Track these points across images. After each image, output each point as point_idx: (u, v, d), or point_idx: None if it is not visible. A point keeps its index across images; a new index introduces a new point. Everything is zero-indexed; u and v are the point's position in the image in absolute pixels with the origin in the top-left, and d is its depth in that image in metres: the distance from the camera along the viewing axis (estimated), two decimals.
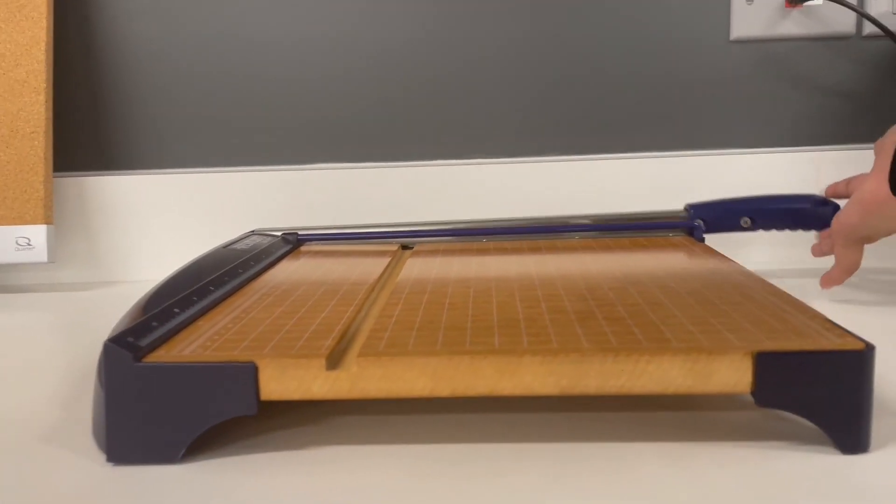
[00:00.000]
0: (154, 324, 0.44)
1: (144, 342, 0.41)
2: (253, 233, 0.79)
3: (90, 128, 0.88)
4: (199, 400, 0.39)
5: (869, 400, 0.39)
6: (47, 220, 0.81)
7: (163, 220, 0.88)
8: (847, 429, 0.39)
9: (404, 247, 0.75)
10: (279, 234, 0.77)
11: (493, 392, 0.39)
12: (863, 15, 0.82)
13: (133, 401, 0.39)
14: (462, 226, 0.78)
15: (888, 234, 0.64)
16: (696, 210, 0.75)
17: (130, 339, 0.40)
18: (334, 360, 0.41)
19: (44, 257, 0.81)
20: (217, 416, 0.39)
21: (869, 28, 0.83)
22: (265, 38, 0.87)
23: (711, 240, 0.81)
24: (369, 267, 0.64)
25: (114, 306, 0.76)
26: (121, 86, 0.88)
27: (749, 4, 0.84)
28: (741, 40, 0.85)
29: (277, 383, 0.39)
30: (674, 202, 0.85)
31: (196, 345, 0.42)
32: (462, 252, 0.69)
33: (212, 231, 0.87)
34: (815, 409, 0.39)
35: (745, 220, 0.74)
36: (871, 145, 0.85)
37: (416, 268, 0.62)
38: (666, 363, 0.39)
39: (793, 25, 0.84)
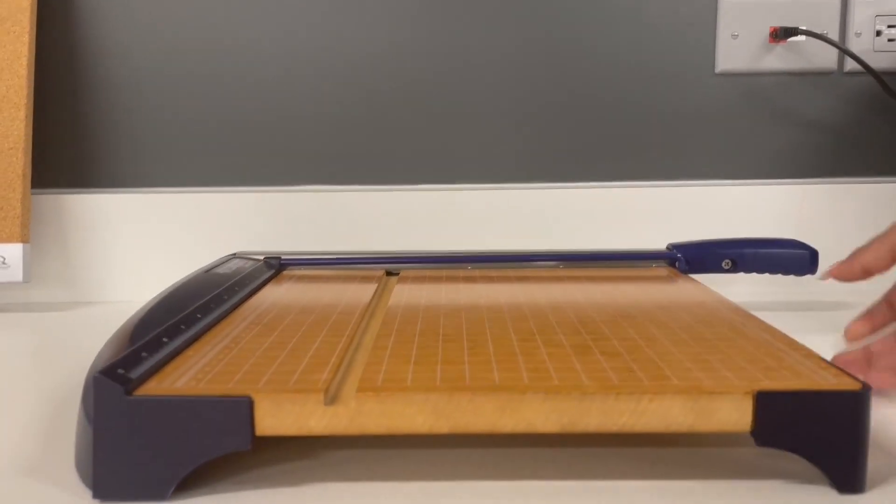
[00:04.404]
0: (143, 354, 0.42)
1: (134, 374, 0.40)
2: (234, 256, 0.77)
3: (69, 144, 0.87)
4: (191, 435, 0.38)
5: (865, 440, 0.39)
6: (23, 239, 0.79)
7: (142, 240, 0.86)
8: (844, 468, 0.39)
9: (389, 273, 0.74)
10: (261, 257, 0.76)
11: (494, 429, 0.39)
12: (844, 51, 0.83)
13: (122, 435, 0.38)
14: (447, 254, 0.77)
15: None
16: (678, 250, 0.75)
17: (121, 371, 0.39)
18: (331, 394, 0.40)
19: (19, 276, 0.79)
20: (210, 452, 0.38)
21: (850, 64, 0.84)
22: (248, 58, 0.86)
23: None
24: (356, 293, 0.63)
25: (91, 328, 0.74)
26: (102, 102, 0.86)
27: (734, 39, 0.85)
28: (726, 73, 0.86)
29: (273, 418, 0.38)
30: (656, 232, 0.86)
31: (188, 377, 0.41)
32: (449, 280, 0.69)
33: (192, 253, 0.86)
34: (813, 449, 0.39)
35: (727, 262, 0.75)
36: (854, 178, 0.86)
37: (405, 295, 0.62)
38: (668, 402, 0.38)
39: (776, 60, 0.85)
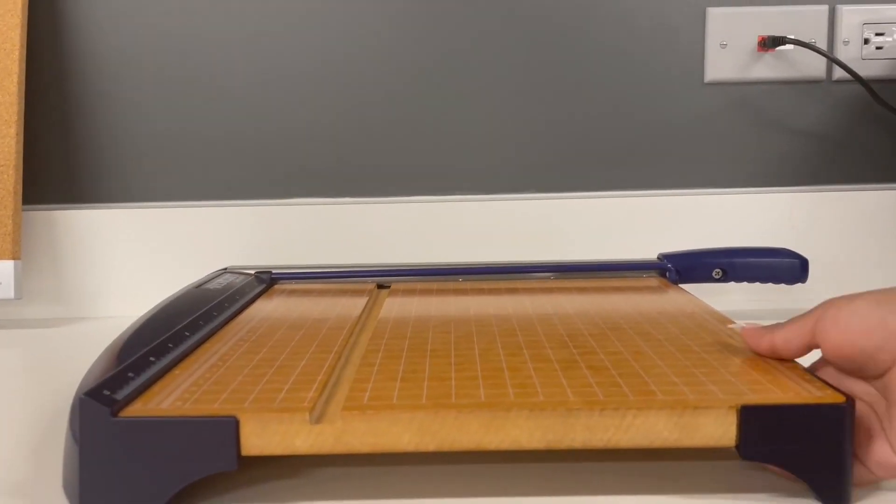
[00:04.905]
0: (130, 374, 0.42)
1: (121, 395, 0.40)
2: (225, 270, 0.77)
3: (60, 159, 0.87)
4: (177, 455, 0.38)
5: (849, 452, 0.39)
6: (15, 256, 0.79)
7: (133, 255, 0.86)
8: (829, 481, 0.39)
9: (380, 286, 0.75)
10: (252, 272, 0.76)
11: (480, 447, 0.39)
12: (833, 60, 0.84)
13: (108, 456, 0.38)
14: (437, 266, 0.77)
15: None
16: (668, 260, 0.75)
17: (106, 392, 0.39)
18: (317, 413, 0.40)
19: (11, 294, 0.79)
20: (196, 472, 0.38)
21: (839, 73, 0.85)
22: (238, 72, 0.86)
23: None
24: (346, 308, 0.63)
25: (82, 345, 0.74)
26: (92, 118, 0.86)
27: (723, 48, 0.85)
28: (715, 83, 0.86)
29: (259, 438, 0.38)
30: (647, 241, 0.86)
31: (174, 397, 0.41)
32: (439, 292, 0.69)
33: (183, 267, 0.86)
34: (798, 463, 0.39)
35: (717, 272, 0.75)
36: (843, 186, 0.86)
37: (395, 309, 0.62)
38: (652, 417, 0.38)
39: (765, 69, 0.85)
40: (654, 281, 0.73)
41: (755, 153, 0.87)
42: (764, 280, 0.75)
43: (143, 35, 0.86)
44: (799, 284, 0.76)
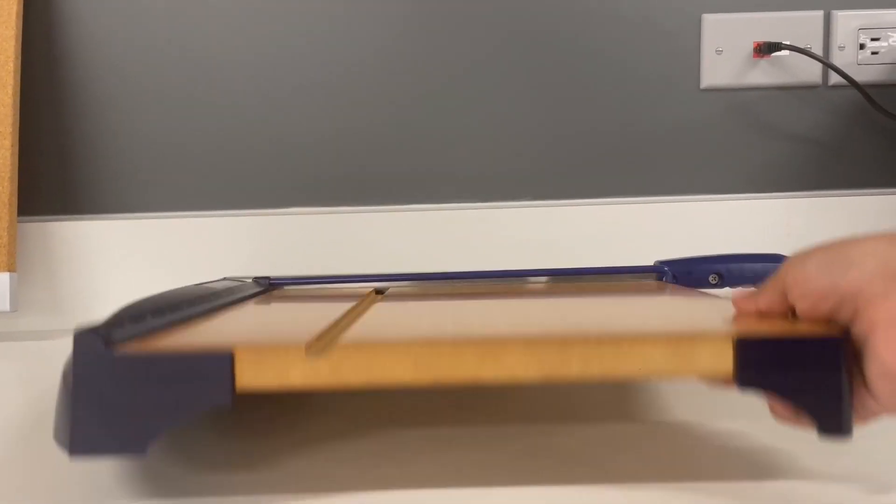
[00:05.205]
0: (127, 322, 0.42)
1: (116, 335, 0.39)
2: (225, 279, 0.77)
3: (55, 170, 0.86)
4: (171, 390, 0.37)
5: (846, 383, 0.39)
6: (10, 268, 0.79)
7: (129, 266, 0.85)
8: (829, 411, 0.39)
9: (378, 291, 0.74)
10: (250, 278, 0.76)
11: (475, 378, 0.38)
12: (828, 65, 0.84)
13: (102, 391, 0.37)
14: (434, 273, 0.77)
15: None
16: (666, 266, 0.76)
17: (102, 332, 0.38)
18: (314, 350, 0.39)
19: (6, 306, 0.78)
20: (191, 407, 0.38)
21: (835, 78, 0.85)
22: (235, 82, 0.86)
23: None
24: (343, 305, 0.63)
25: None
26: (87, 128, 0.86)
27: (718, 55, 0.85)
28: (711, 89, 0.86)
29: (254, 372, 0.37)
30: (644, 248, 0.85)
31: (170, 338, 0.41)
32: (435, 296, 0.69)
33: (180, 278, 0.85)
34: (796, 392, 0.39)
35: (714, 277, 0.75)
36: (840, 192, 0.86)
37: (391, 306, 0.62)
38: (649, 347, 0.38)
39: (761, 75, 0.85)
40: (652, 283, 0.73)
41: (752, 159, 0.87)
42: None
43: (139, 46, 0.86)
44: None
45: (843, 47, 0.85)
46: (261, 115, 0.86)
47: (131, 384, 0.37)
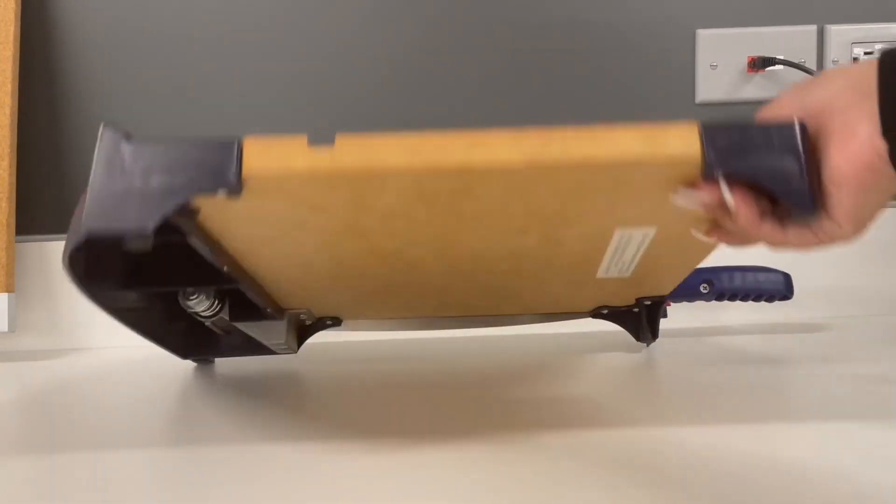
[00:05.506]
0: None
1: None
2: None
3: (53, 190, 0.87)
4: (183, 173, 0.41)
5: (807, 165, 0.42)
6: (9, 289, 0.79)
7: None
8: (793, 186, 0.42)
9: None
10: None
11: (465, 163, 0.41)
12: None
13: (119, 173, 0.42)
14: None
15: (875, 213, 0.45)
16: None
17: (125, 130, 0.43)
18: (316, 144, 0.42)
19: (5, 327, 0.78)
20: (198, 187, 0.41)
21: None
22: (239, 98, 0.86)
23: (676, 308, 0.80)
24: None
25: (76, 378, 0.74)
26: (85, 147, 0.86)
27: (713, 69, 0.86)
28: (706, 103, 0.87)
29: (261, 158, 0.41)
30: None
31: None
32: None
33: None
34: (759, 171, 0.42)
35: (705, 286, 0.74)
36: None
37: None
38: (621, 134, 0.42)
39: (755, 89, 0.86)
40: None
41: None
42: (753, 297, 0.75)
43: (138, 67, 0.86)
44: (792, 301, 0.76)
45: (837, 61, 0.85)
46: (258, 128, 0.87)
47: (145, 169, 0.42)
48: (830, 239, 0.44)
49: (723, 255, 0.85)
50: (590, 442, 0.49)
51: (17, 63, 0.83)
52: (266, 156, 0.41)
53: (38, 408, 0.66)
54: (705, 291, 0.75)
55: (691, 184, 0.43)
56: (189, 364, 0.74)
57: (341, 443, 0.51)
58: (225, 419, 0.58)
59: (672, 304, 0.74)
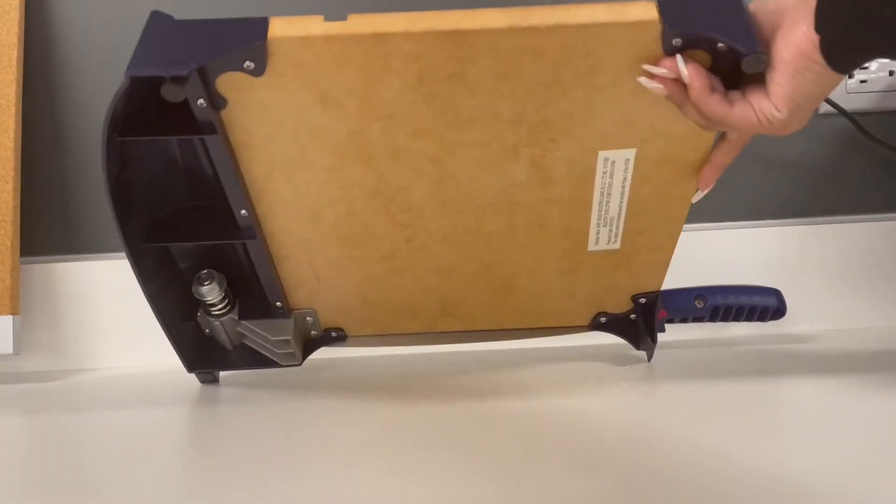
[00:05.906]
0: None
1: None
2: None
3: (57, 211, 0.87)
4: (216, 37, 0.51)
5: (750, 20, 0.51)
6: (13, 311, 0.79)
7: (132, 306, 0.86)
8: (740, 34, 0.50)
9: None
10: None
11: (459, 27, 0.50)
12: None
13: (162, 39, 0.52)
14: None
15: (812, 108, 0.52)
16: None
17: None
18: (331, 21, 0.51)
19: (9, 349, 0.79)
20: (232, 47, 0.50)
21: (824, 107, 0.86)
22: None
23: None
24: None
25: (81, 399, 0.74)
26: (89, 169, 0.87)
27: None
28: None
29: (284, 28, 0.50)
30: None
31: None
32: None
33: None
34: (714, 28, 0.50)
35: (700, 301, 0.75)
36: (831, 219, 0.87)
37: None
38: (590, 7, 0.51)
39: None
40: None
41: (742, 187, 0.88)
42: (747, 315, 0.75)
43: None
44: (789, 316, 0.77)
45: None
46: None
47: (186, 34, 0.51)
48: (769, 122, 0.51)
49: (714, 278, 0.86)
50: (585, 452, 0.49)
51: (21, 86, 0.83)
52: (289, 26, 0.50)
53: (42, 430, 0.66)
54: (700, 307, 0.75)
55: (653, 63, 0.52)
56: (194, 384, 0.75)
57: (350, 458, 0.51)
58: (233, 441, 0.59)
59: (669, 324, 0.75)
